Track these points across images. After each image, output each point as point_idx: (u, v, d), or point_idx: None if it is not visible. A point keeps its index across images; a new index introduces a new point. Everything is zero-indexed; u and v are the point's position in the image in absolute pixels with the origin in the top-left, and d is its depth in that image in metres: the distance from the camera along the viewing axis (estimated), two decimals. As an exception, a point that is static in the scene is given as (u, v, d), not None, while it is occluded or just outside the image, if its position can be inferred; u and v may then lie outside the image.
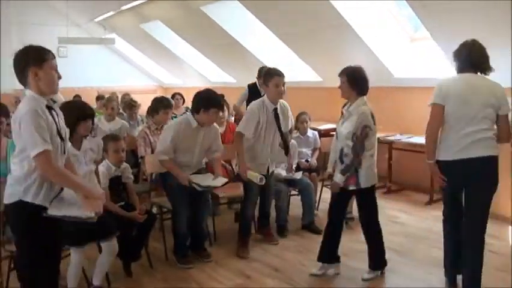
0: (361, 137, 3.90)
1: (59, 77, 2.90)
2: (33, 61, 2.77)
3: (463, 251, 3.67)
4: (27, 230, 2.84)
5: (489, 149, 3.55)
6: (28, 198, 2.79)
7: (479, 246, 3.61)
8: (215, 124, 4.71)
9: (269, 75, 4.69)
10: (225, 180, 4.61)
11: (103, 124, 6.30)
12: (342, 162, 3.99)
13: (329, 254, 4.26)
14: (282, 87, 4.67)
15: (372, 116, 4.02)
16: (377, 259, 4.24)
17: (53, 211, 2.82)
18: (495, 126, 3.63)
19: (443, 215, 3.97)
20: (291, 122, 5.11)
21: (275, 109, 4.72)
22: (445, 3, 5.36)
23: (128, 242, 4.08)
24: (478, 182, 3.58)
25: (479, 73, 3.63)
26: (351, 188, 4.04)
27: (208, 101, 4.40)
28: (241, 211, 4.94)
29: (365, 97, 4.08)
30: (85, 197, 2.88)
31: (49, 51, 2.86)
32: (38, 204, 2.80)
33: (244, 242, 4.83)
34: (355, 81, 4.05)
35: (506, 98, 3.58)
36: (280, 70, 4.73)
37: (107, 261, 3.90)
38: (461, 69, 3.66)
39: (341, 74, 4.12)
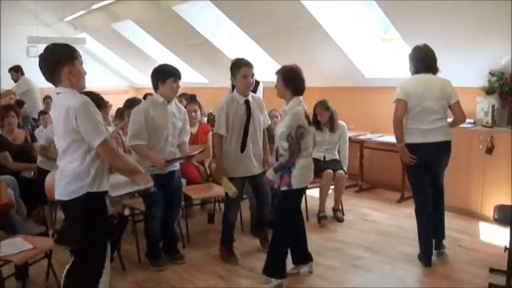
0: (296, 137, 3.80)
1: (85, 73, 3.11)
2: (66, 59, 2.95)
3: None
4: (99, 218, 3.14)
5: (444, 135, 4.37)
6: (95, 188, 3.02)
7: (441, 211, 4.64)
8: (183, 107, 4.67)
9: (237, 66, 4.46)
10: (201, 149, 4.76)
11: None
12: (277, 161, 4.00)
13: (299, 255, 4.27)
14: (251, 79, 4.46)
15: (307, 116, 3.95)
16: (300, 254, 4.27)
17: (114, 192, 3.28)
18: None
19: (413, 196, 4.59)
20: (267, 118, 4.89)
21: (247, 101, 4.51)
22: (414, 4, 5.43)
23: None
24: (436, 161, 4.44)
25: (431, 73, 4.36)
26: (284, 188, 3.95)
27: (162, 72, 4.35)
28: (223, 218, 4.72)
29: (301, 97, 3.98)
30: (134, 174, 3.33)
31: (75, 48, 3.07)
32: (104, 190, 3.09)
33: (229, 250, 4.70)
34: (290, 80, 3.95)
35: (454, 90, 4.36)
36: (249, 60, 4.52)
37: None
38: (417, 71, 4.39)
39: (277, 73, 4.06)
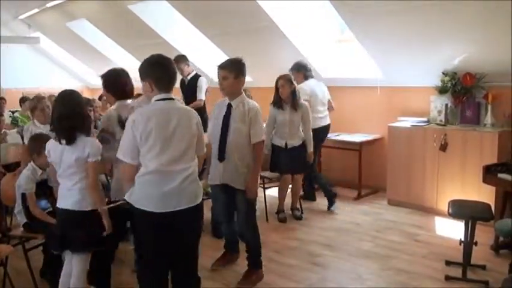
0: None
1: None
2: None
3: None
4: None
5: (329, 120, 6.42)
6: None
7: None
8: None
9: None
10: None
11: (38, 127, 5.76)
12: None
13: None
14: (223, 81, 4.02)
15: (121, 121, 3.50)
16: None
17: None
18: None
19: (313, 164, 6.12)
20: (260, 129, 4.14)
21: (229, 104, 4.08)
22: (368, 5, 5.51)
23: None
24: (325, 138, 6.48)
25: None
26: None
27: None
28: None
29: (128, 101, 3.70)
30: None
31: None
32: None
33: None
34: (110, 85, 3.67)
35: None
36: (224, 62, 4.16)
37: (83, 277, 3.40)
38: (306, 77, 6.26)
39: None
